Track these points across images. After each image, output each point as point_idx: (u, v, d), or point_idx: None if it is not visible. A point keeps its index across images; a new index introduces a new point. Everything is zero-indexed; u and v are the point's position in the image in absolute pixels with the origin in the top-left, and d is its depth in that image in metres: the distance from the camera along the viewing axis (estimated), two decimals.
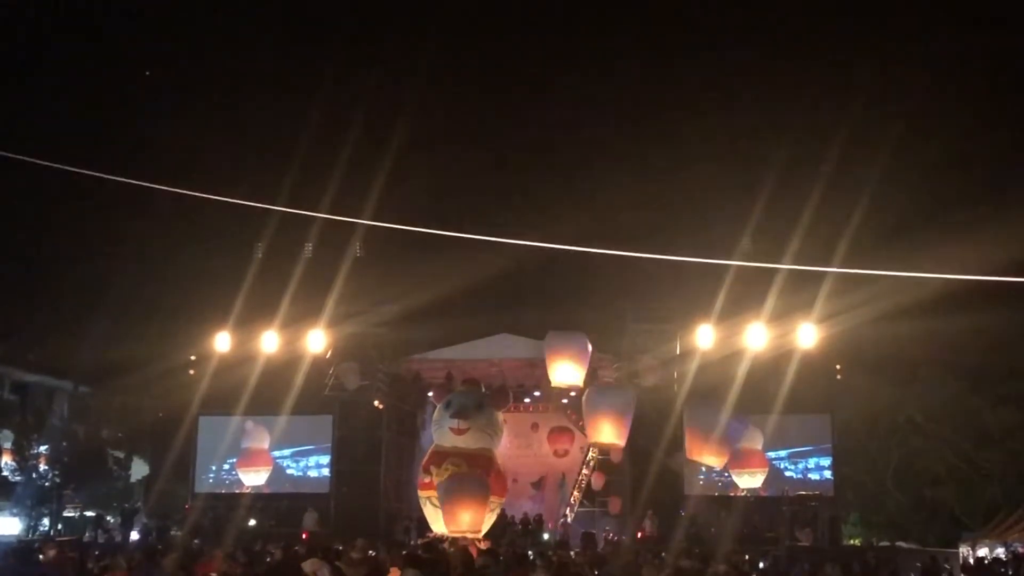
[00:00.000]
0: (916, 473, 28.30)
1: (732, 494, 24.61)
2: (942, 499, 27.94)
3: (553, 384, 15.24)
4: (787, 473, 24.77)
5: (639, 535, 22.60)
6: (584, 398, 14.72)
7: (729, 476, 24.60)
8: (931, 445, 27.94)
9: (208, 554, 13.27)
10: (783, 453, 24.77)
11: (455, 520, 14.69)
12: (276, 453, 25.95)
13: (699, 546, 18.01)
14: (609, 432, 14.66)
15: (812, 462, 24.71)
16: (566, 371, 15.12)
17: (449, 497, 15.16)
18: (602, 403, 14.70)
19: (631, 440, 26.15)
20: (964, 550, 23.36)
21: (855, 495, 28.28)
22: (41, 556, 12.70)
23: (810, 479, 24.66)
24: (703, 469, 24.67)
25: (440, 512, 20.65)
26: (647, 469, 24.72)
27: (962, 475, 27.66)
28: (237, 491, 25.71)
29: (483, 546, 16.71)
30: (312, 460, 25.98)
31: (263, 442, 25.82)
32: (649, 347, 25.20)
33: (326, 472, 25.75)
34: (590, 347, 15.14)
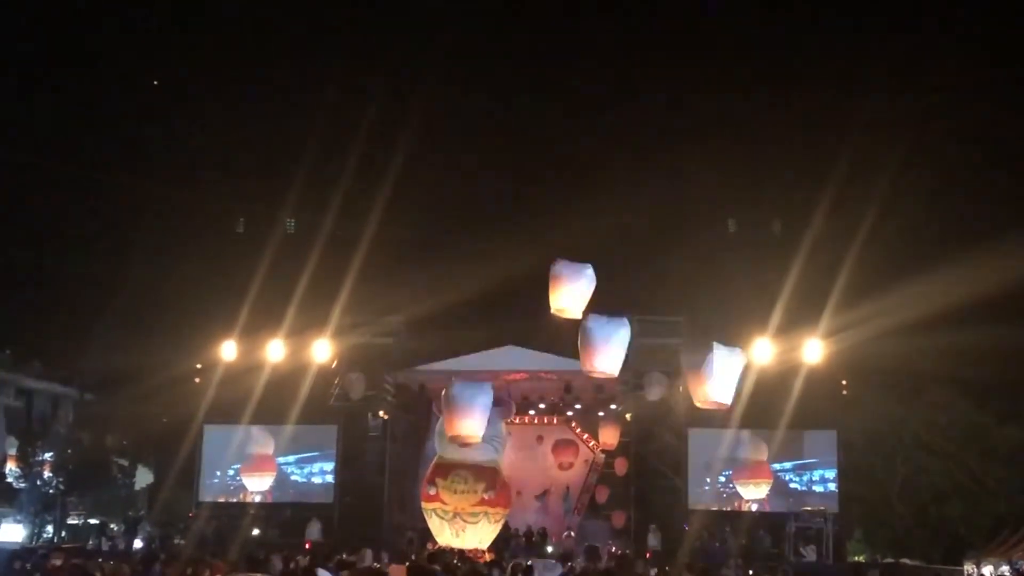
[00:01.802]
0: (921, 490, 28.19)
1: (737, 506, 24.58)
2: (947, 516, 27.82)
3: (553, 309, 15.26)
4: (792, 485, 24.71)
5: (648, 555, 22.50)
6: (580, 328, 14.81)
7: (733, 487, 24.60)
8: (937, 462, 27.83)
9: (210, 563, 13.29)
10: (788, 465, 24.72)
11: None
12: (281, 460, 25.95)
13: (703, 561, 17.99)
14: (605, 361, 14.69)
15: (817, 474, 24.63)
16: (568, 297, 15.16)
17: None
18: (598, 332, 14.75)
19: (635, 454, 26.25)
20: (969, 568, 23.27)
21: (860, 511, 28.17)
22: (52, 563, 12.73)
23: (815, 491, 24.59)
24: (707, 480, 24.67)
25: (445, 523, 20.74)
26: (651, 483, 24.72)
27: (968, 492, 27.55)
28: (242, 498, 25.66)
29: (488, 558, 16.74)
30: (316, 467, 25.95)
31: (268, 448, 25.85)
32: (654, 361, 25.21)
33: (330, 479, 25.71)
34: (594, 280, 15.24)
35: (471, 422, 16.09)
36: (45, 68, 31.88)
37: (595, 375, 15.25)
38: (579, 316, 15.08)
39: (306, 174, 29.39)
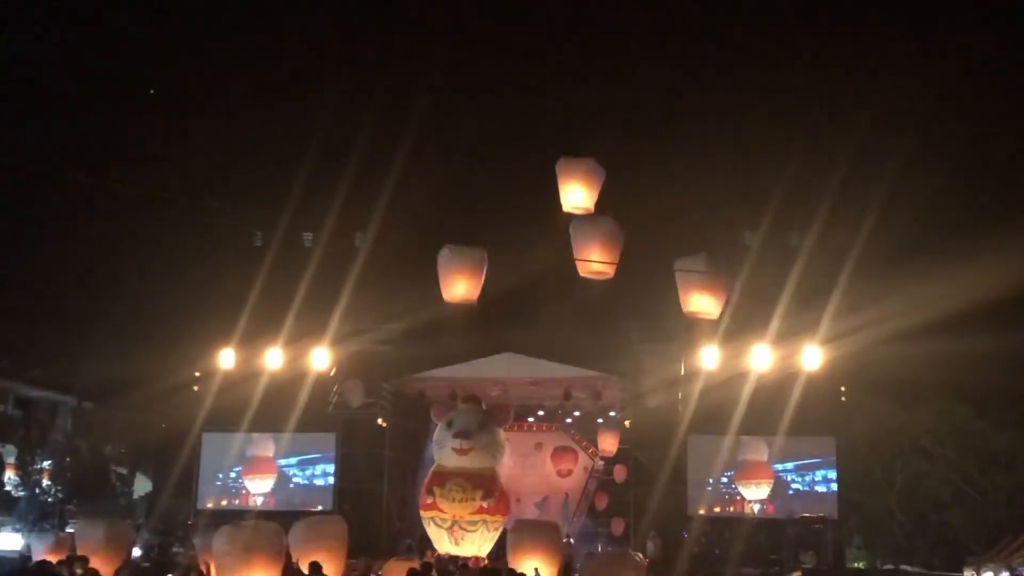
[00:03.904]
0: (921, 496, 28.19)
1: (739, 508, 24.59)
2: (947, 523, 27.82)
3: (565, 209, 15.24)
4: (794, 485, 24.73)
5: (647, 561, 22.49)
6: (571, 228, 14.85)
7: (735, 488, 24.62)
8: (936, 468, 27.83)
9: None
10: (790, 465, 24.74)
11: None
12: (282, 462, 25.97)
13: (703, 568, 17.99)
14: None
15: (819, 475, 24.65)
16: (577, 194, 15.15)
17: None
18: (588, 232, 14.79)
19: (634, 461, 26.23)
20: (969, 574, 23.27)
21: (860, 518, 28.16)
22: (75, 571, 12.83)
23: (817, 491, 24.58)
24: (709, 481, 24.68)
25: (443, 531, 20.69)
26: (651, 490, 24.69)
27: (968, 498, 27.55)
28: (242, 504, 25.64)
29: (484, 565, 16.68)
30: (319, 468, 25.97)
31: (268, 451, 25.89)
32: (653, 368, 25.22)
33: (332, 480, 25.73)
34: (603, 171, 15.19)
35: (465, 284, 15.82)
36: (41, 72, 31.85)
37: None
38: (591, 210, 15.07)
39: (304, 180, 29.38)
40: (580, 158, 15.27)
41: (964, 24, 29.00)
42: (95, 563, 13.66)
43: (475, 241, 15.95)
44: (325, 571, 12.50)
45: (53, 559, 14.26)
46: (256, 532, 12.10)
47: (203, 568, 13.53)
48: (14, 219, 31.39)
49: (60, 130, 31.42)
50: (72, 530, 18.31)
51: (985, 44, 28.41)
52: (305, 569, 12.46)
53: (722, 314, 15.90)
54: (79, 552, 14.24)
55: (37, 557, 15.13)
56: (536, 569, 14.33)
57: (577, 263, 15.01)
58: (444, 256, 15.29)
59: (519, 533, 15.19)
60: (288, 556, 12.49)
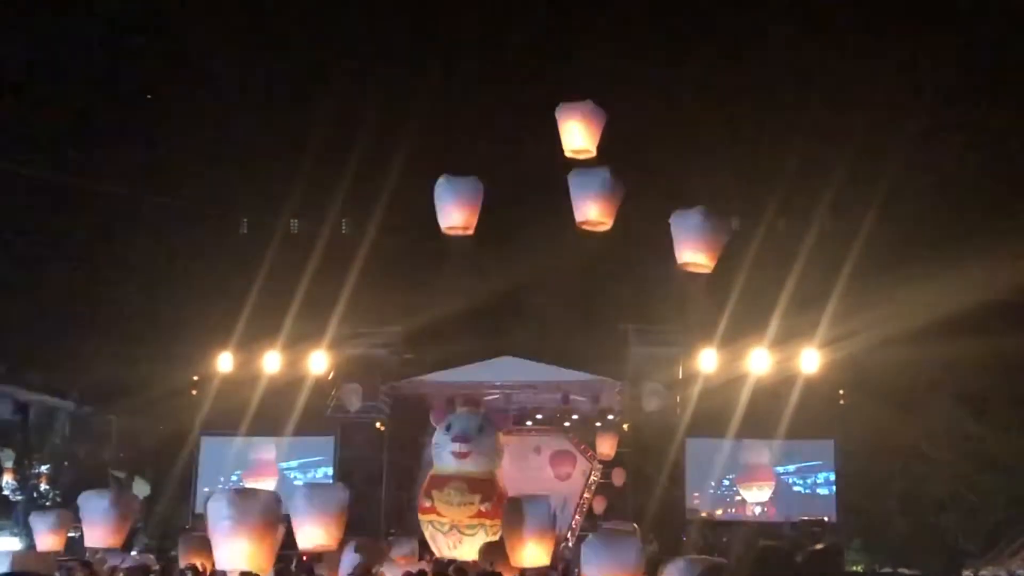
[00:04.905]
0: (919, 499, 28.17)
1: (740, 511, 24.60)
2: (945, 526, 27.81)
3: (567, 153, 15.18)
4: (795, 488, 24.75)
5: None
6: (569, 179, 14.82)
7: (736, 491, 24.63)
8: (935, 471, 27.82)
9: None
10: (792, 468, 24.76)
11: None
12: (283, 465, 25.96)
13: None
14: (593, 211, 14.70)
15: (822, 477, 24.68)
16: (578, 137, 15.11)
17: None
18: (584, 184, 14.77)
19: (633, 465, 26.22)
20: None
21: (858, 521, 28.16)
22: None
23: (819, 494, 24.60)
24: (712, 484, 24.73)
25: (441, 535, 20.69)
26: (650, 494, 24.70)
27: (966, 502, 27.54)
28: None
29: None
30: (320, 472, 25.95)
31: (270, 453, 25.90)
32: (652, 372, 25.23)
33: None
34: (603, 113, 15.11)
35: (461, 213, 15.76)
36: (37, 75, 31.79)
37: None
38: (593, 153, 15.03)
39: (302, 185, 29.41)
40: (578, 101, 15.22)
41: (964, 25, 28.96)
42: (101, 533, 13.68)
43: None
44: (324, 539, 12.57)
45: (54, 539, 14.32)
46: (251, 499, 12.05)
47: (199, 568, 13.52)
48: (8, 225, 31.33)
49: (55, 132, 31.34)
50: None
51: (987, 39, 28.42)
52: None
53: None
54: (84, 524, 14.23)
55: (38, 537, 15.21)
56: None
57: (575, 212, 14.93)
58: (440, 186, 15.25)
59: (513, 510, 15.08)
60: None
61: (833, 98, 30.03)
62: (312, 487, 14.34)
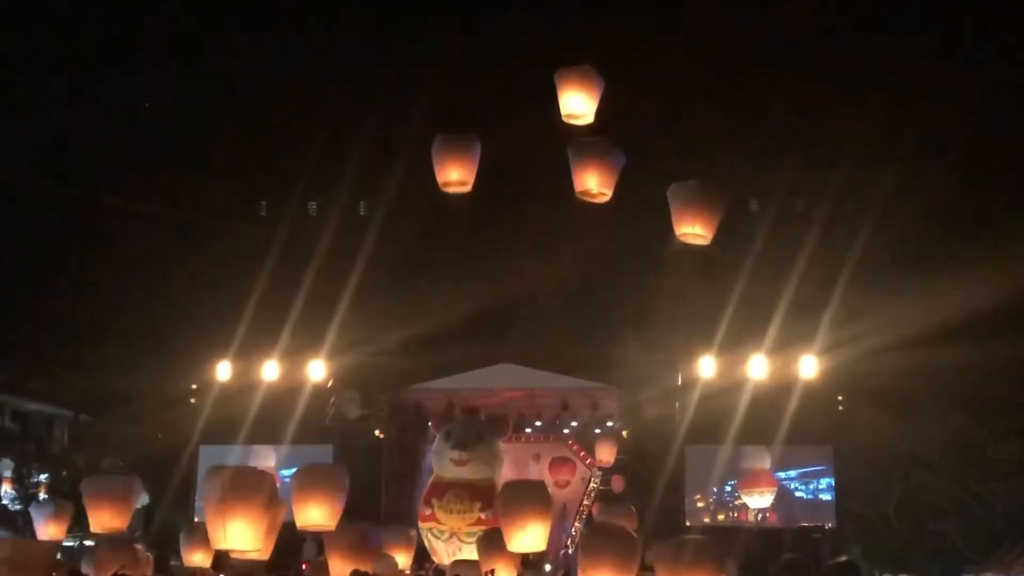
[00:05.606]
0: (919, 505, 28.14)
1: (741, 517, 24.60)
2: (945, 532, 27.77)
3: (564, 116, 15.12)
4: (797, 494, 24.75)
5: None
6: (569, 149, 14.76)
7: (737, 496, 24.62)
8: (934, 478, 27.79)
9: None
10: (793, 474, 24.75)
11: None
12: (283, 473, 25.90)
13: None
14: (593, 181, 14.63)
15: (824, 483, 24.66)
16: (576, 101, 15.04)
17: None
18: (584, 153, 14.73)
19: (632, 472, 26.20)
20: None
21: (857, 527, 28.14)
22: None
23: (821, 499, 24.58)
24: (713, 490, 24.73)
25: (441, 543, 20.69)
26: (649, 501, 24.68)
27: (965, 508, 27.51)
28: None
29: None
30: None
31: (269, 462, 25.83)
32: (651, 378, 25.24)
33: None
34: (600, 79, 15.07)
35: (459, 169, 15.70)
36: (38, 84, 31.82)
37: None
38: (591, 119, 14.99)
39: (301, 189, 29.45)
40: (576, 66, 15.17)
41: (965, 27, 28.99)
42: (106, 516, 13.64)
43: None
44: (322, 519, 12.54)
45: (54, 529, 14.28)
46: (244, 475, 11.88)
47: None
48: (7, 234, 31.34)
49: (49, 138, 31.36)
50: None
51: (991, 43, 28.44)
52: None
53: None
54: (88, 509, 14.17)
55: (37, 528, 15.16)
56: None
57: (574, 183, 14.85)
58: (437, 143, 15.20)
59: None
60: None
61: (833, 101, 30.03)
62: (311, 467, 14.23)
